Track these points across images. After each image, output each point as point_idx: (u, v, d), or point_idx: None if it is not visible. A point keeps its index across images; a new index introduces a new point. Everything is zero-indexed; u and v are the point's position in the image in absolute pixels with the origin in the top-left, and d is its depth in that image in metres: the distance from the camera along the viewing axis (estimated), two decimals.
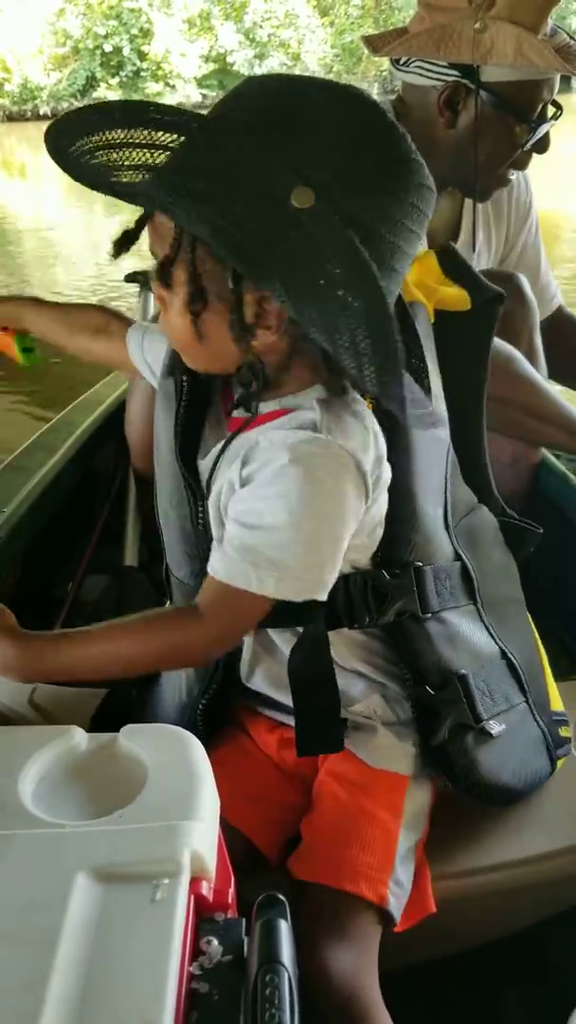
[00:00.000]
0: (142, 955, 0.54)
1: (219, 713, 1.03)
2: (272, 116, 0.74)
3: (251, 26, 25.81)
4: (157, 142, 0.74)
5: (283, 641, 0.97)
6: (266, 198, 0.72)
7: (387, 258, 0.75)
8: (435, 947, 1.03)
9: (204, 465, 0.94)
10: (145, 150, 0.75)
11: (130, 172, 0.75)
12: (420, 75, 1.37)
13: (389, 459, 0.91)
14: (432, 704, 0.97)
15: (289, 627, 0.94)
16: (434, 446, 0.99)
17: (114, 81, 24.87)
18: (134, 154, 0.75)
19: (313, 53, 26.12)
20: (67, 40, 24.77)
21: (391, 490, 0.92)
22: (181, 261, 0.79)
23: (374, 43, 1.41)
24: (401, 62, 1.38)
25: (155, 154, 0.74)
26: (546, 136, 1.44)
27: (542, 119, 1.41)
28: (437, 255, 1.05)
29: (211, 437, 0.95)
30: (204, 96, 25.55)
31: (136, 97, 25.36)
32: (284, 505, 0.81)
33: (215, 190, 0.72)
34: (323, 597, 0.86)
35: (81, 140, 0.77)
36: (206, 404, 0.97)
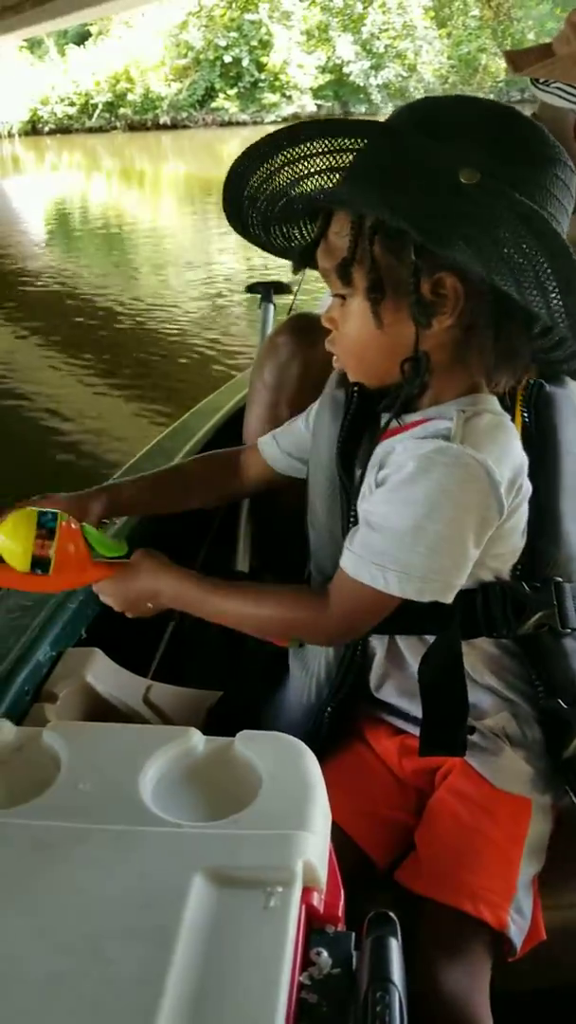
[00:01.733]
0: (255, 960, 0.55)
1: (345, 718, 1.05)
2: (438, 118, 0.86)
3: (368, 37, 25.85)
4: (339, 147, 0.85)
5: (413, 655, 0.99)
6: (439, 179, 0.80)
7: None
8: (543, 977, 1.00)
9: (358, 472, 0.97)
10: (328, 156, 0.86)
11: (313, 179, 0.88)
12: (559, 96, 1.35)
13: (537, 475, 0.93)
14: (564, 718, 0.97)
15: (426, 633, 0.96)
16: None
17: (232, 92, 25.30)
18: (316, 161, 0.87)
19: (429, 64, 25.98)
20: (188, 51, 25.35)
21: (537, 505, 0.94)
22: (360, 257, 0.85)
23: (516, 61, 1.39)
24: (541, 81, 1.37)
25: (339, 158, 0.86)
26: None
27: None
28: None
29: (367, 444, 0.98)
30: (319, 107, 25.73)
31: (253, 107, 25.76)
32: (410, 510, 0.86)
33: (394, 178, 0.82)
34: (448, 599, 0.88)
35: (261, 169, 0.89)
36: (370, 417, 1.00)
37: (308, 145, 0.86)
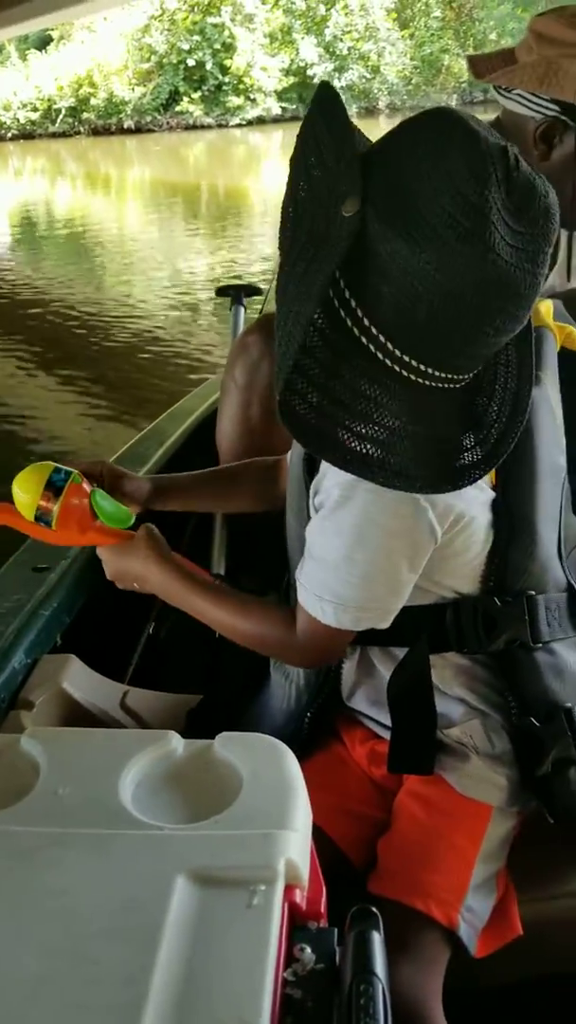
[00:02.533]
0: (239, 958, 0.56)
1: (324, 724, 1.06)
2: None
3: (331, 39, 25.89)
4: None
5: (383, 665, 0.99)
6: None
7: None
8: (526, 969, 1.02)
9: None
10: None
11: None
12: (520, 103, 1.36)
13: (509, 481, 0.93)
14: (537, 736, 0.96)
15: (394, 645, 0.96)
16: (554, 471, 0.99)
17: (196, 95, 25.21)
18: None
19: (392, 65, 26.07)
20: (151, 55, 25.23)
21: (509, 513, 0.93)
22: None
23: (478, 67, 1.40)
24: (503, 87, 1.38)
25: None
26: None
27: None
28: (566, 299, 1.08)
29: None
30: (284, 109, 25.71)
31: (218, 110, 25.67)
32: (339, 540, 0.86)
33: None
34: (384, 625, 0.89)
35: None
36: None
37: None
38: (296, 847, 0.63)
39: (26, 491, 1.00)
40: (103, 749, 0.72)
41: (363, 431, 0.79)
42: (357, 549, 0.85)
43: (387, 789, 1.04)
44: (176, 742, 0.73)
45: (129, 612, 1.39)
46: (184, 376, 5.19)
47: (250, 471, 1.26)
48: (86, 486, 1.02)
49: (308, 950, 0.59)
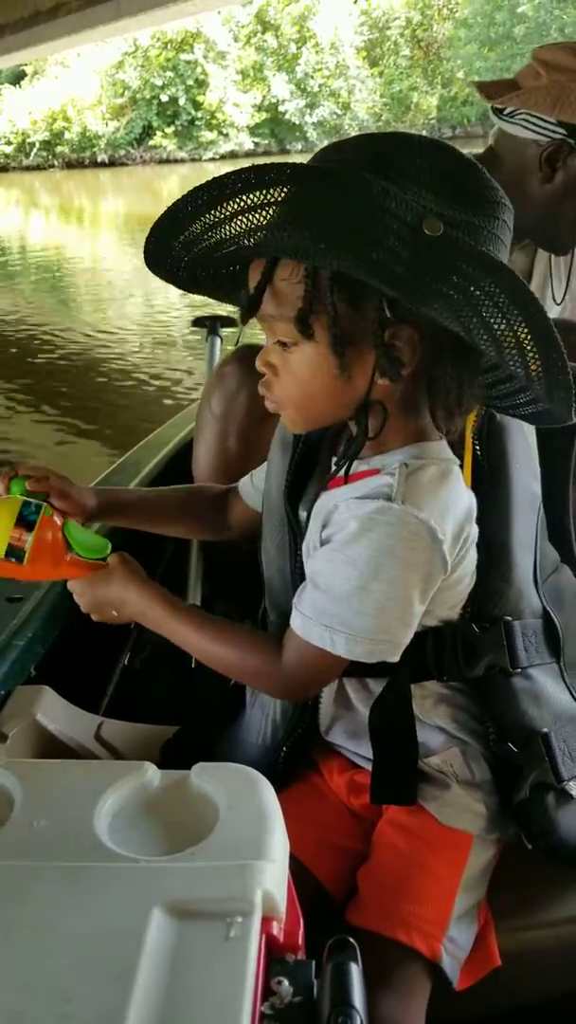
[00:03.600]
0: (216, 992, 0.55)
1: (300, 756, 1.05)
2: (391, 160, 0.79)
3: (302, 77, 26.37)
4: (269, 200, 0.78)
5: (360, 699, 0.99)
6: (405, 230, 0.75)
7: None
8: (505, 999, 1.01)
9: (303, 514, 0.97)
10: (256, 212, 0.79)
11: (246, 236, 0.80)
12: (525, 127, 1.40)
13: (487, 509, 0.93)
14: (514, 762, 0.96)
15: (373, 677, 0.96)
16: (529, 499, 1.00)
17: (170, 130, 25.52)
18: (245, 220, 0.79)
19: (363, 102, 26.58)
20: (125, 91, 25.55)
21: (487, 541, 0.93)
22: (319, 308, 0.80)
23: (488, 91, 1.44)
24: (506, 112, 1.41)
25: (267, 213, 0.79)
26: None
27: None
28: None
29: (314, 487, 0.98)
30: (256, 144, 26.08)
31: (191, 145, 25.98)
32: (354, 571, 0.85)
33: (355, 226, 0.76)
34: (395, 658, 0.88)
35: (182, 236, 0.84)
36: (319, 453, 1.00)
37: (233, 203, 0.80)
38: (273, 878, 0.62)
39: None
40: (79, 781, 0.71)
41: None
42: (373, 580, 0.84)
43: (366, 819, 1.03)
44: (152, 773, 0.72)
45: (104, 643, 1.38)
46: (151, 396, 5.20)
47: (197, 497, 1.24)
48: (57, 519, 1.00)
49: (286, 983, 0.59)
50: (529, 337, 0.77)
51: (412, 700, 0.95)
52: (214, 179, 0.81)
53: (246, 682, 1.03)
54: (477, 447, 0.96)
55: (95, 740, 1.11)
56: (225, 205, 0.80)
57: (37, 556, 0.97)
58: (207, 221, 0.82)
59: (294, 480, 0.99)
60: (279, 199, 0.78)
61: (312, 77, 26.41)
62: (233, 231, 0.81)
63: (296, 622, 0.89)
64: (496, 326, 0.76)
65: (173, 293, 8.46)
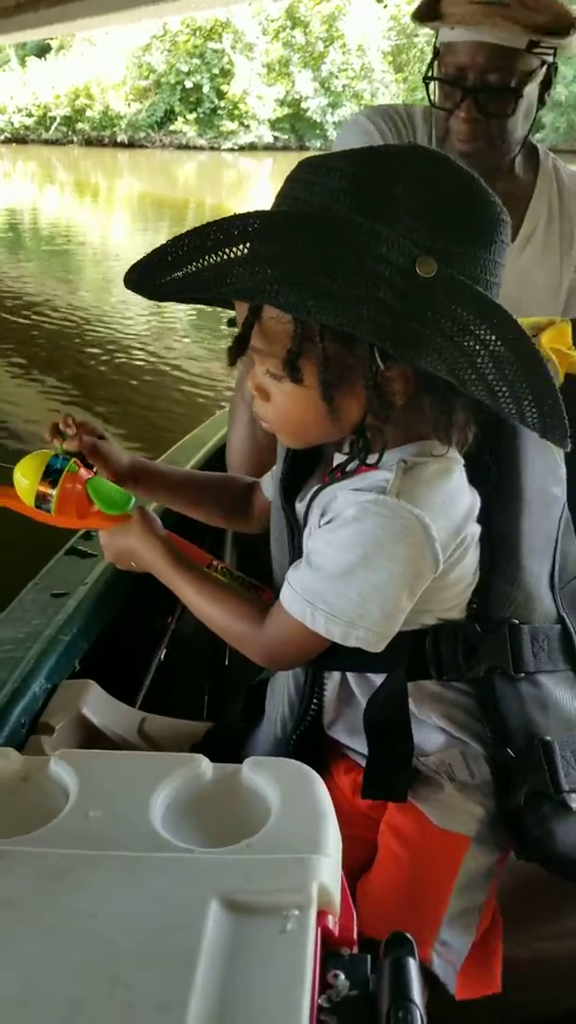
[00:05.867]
0: (275, 984, 0.55)
1: (311, 750, 1.04)
2: (373, 187, 0.77)
3: (327, 75, 26.33)
4: (257, 255, 0.77)
5: (363, 694, 0.98)
6: (397, 275, 0.74)
7: (496, 297, 0.81)
8: (504, 1016, 1.02)
9: (300, 507, 0.97)
10: (243, 267, 0.77)
11: (235, 293, 0.80)
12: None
13: (493, 510, 0.92)
14: (512, 767, 0.95)
15: (374, 671, 0.95)
16: (547, 503, 0.99)
17: (191, 116, 25.44)
18: (231, 273, 0.78)
19: None
20: (150, 73, 25.45)
21: (491, 541, 0.93)
22: (309, 349, 0.80)
23: None
24: None
25: (253, 268, 0.77)
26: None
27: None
28: (574, 324, 1.08)
29: (313, 481, 0.98)
30: (276, 138, 25.99)
31: (211, 133, 25.89)
32: (345, 555, 0.86)
33: (344, 281, 0.74)
34: (376, 649, 0.88)
35: (165, 278, 0.83)
36: (320, 447, 0.99)
37: (246, 247, 0.78)
38: (328, 872, 0.62)
39: (26, 477, 1.05)
40: (132, 772, 0.71)
41: None
42: (359, 567, 0.85)
43: (372, 819, 1.03)
44: (205, 766, 0.72)
45: (141, 638, 1.39)
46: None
47: (224, 486, 1.25)
48: (84, 473, 1.07)
49: (342, 976, 0.59)
50: (525, 386, 0.77)
51: (409, 697, 0.94)
52: (195, 229, 0.80)
53: (233, 644, 1.02)
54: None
55: (138, 735, 1.11)
56: (207, 258, 0.80)
57: (62, 508, 1.05)
58: (190, 270, 0.81)
59: (291, 474, 1.00)
60: (267, 255, 0.76)
61: (337, 77, 26.38)
62: (219, 282, 0.80)
63: (284, 594, 0.91)
64: (491, 377, 0.76)
65: None
